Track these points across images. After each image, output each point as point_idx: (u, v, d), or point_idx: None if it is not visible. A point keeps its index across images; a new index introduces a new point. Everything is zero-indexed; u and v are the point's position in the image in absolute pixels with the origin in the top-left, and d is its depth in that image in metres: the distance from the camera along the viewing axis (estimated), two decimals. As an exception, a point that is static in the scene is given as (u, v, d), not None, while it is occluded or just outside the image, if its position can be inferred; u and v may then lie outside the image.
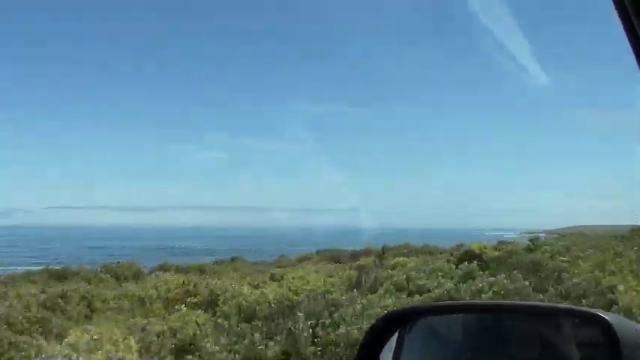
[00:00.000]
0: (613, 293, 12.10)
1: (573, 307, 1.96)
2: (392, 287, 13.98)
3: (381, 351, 2.05)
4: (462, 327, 2.06)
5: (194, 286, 15.61)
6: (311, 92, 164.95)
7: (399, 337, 2.08)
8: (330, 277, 16.85)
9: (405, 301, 12.79)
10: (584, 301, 11.94)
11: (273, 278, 18.17)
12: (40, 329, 11.97)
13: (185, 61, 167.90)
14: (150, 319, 12.49)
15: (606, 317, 1.58)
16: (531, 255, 16.57)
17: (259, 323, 11.19)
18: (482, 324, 2.02)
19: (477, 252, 18.25)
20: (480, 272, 14.66)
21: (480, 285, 12.09)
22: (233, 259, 37.43)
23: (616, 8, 1.03)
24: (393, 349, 2.08)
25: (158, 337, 11.06)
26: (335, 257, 34.37)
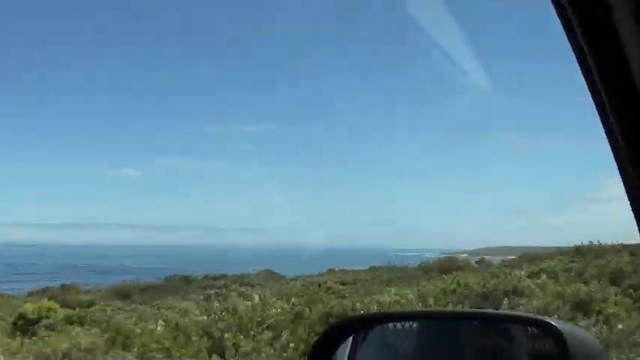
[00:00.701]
0: None
1: (525, 314, 1.97)
2: None
3: (333, 354, 2.04)
4: (416, 337, 2.01)
5: None
6: (240, 112, 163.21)
7: (353, 342, 2.07)
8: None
9: None
10: None
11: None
12: None
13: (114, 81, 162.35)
14: None
15: (556, 324, 1.58)
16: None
17: None
18: (436, 334, 1.99)
19: (33, 317, 13.40)
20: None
21: None
22: (63, 286, 33.91)
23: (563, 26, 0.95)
24: (347, 354, 2.07)
25: None
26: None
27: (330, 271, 33.95)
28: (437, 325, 2.03)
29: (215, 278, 34.86)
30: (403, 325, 2.01)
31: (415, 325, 2.02)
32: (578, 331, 1.65)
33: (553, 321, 1.61)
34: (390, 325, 2.06)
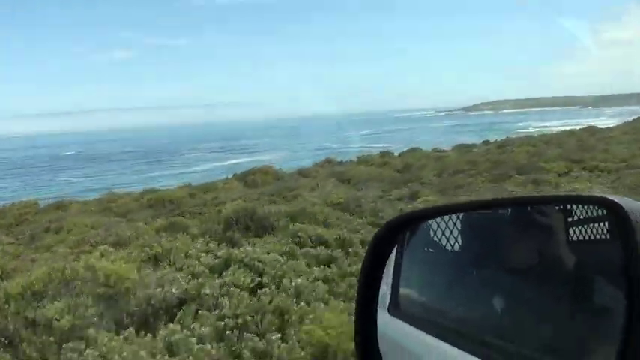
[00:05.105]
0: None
1: (579, 194, 1.80)
2: None
3: (384, 264, 1.92)
4: (461, 233, 1.85)
5: None
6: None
7: (398, 247, 1.97)
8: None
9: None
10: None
11: None
12: None
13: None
14: None
15: (618, 201, 1.37)
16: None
17: None
18: (481, 227, 1.82)
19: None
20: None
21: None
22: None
23: None
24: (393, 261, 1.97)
25: None
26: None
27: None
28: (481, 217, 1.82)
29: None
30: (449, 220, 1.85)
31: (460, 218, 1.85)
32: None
33: (614, 197, 1.40)
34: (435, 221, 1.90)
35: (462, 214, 1.85)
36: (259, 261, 6.75)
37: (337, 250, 8.11)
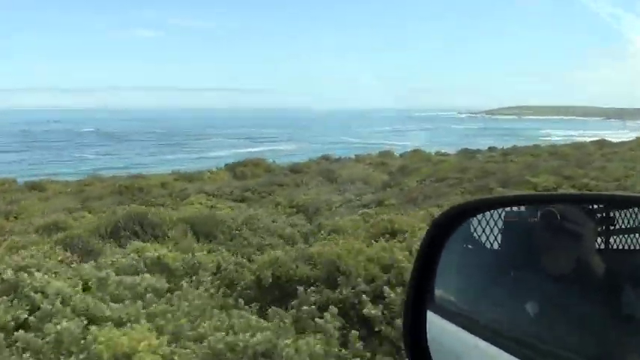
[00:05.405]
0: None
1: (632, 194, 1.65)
2: None
3: (445, 243, 1.86)
4: (501, 231, 1.76)
5: None
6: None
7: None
8: None
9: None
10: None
11: None
12: None
13: None
14: None
15: None
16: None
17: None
18: (520, 227, 1.76)
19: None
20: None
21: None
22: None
23: None
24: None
25: None
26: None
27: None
28: (520, 217, 1.77)
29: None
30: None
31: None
32: None
33: None
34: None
35: (502, 211, 1.79)
36: (40, 292, 5.55)
37: (180, 277, 6.89)
